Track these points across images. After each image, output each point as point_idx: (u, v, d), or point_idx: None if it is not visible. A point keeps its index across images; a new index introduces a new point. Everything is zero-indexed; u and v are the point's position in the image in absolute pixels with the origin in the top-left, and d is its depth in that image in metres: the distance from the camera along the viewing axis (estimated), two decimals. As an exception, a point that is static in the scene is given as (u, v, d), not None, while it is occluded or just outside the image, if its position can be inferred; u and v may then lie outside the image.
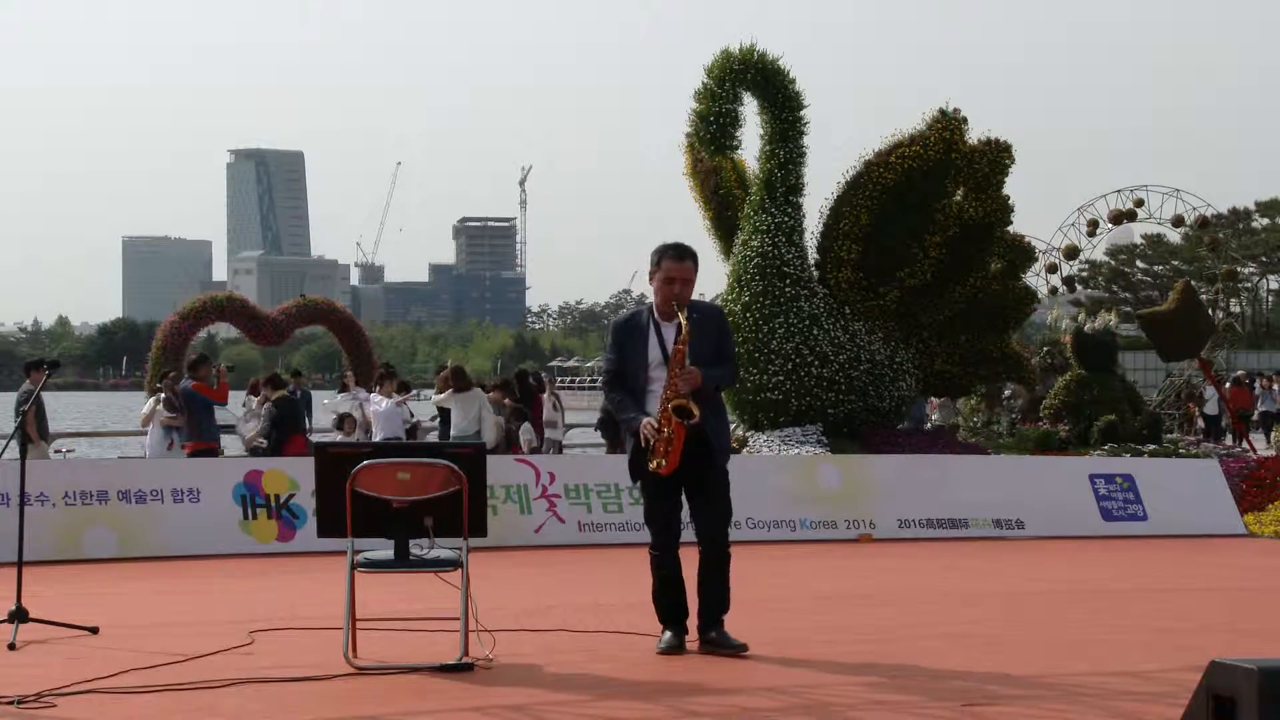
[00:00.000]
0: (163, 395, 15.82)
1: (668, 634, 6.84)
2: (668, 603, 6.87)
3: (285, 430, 17.39)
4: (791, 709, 5.68)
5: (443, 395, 17.40)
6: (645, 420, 6.68)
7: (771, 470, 12.49)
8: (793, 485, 12.58)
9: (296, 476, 11.29)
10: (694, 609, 6.88)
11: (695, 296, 6.95)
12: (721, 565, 6.81)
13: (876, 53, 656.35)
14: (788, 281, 18.22)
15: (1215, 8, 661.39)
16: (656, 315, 6.84)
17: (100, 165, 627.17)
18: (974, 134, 18.91)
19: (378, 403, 17.59)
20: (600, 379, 7.17)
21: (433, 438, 18.17)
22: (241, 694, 5.81)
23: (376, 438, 16.79)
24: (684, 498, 6.87)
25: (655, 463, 6.66)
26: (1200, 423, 29.77)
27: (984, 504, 12.91)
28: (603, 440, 19.79)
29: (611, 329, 7.16)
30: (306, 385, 26.56)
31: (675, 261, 6.77)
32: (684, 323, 6.65)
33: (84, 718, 5.40)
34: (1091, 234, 41.04)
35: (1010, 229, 19.32)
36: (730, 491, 6.88)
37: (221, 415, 17.55)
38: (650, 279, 6.90)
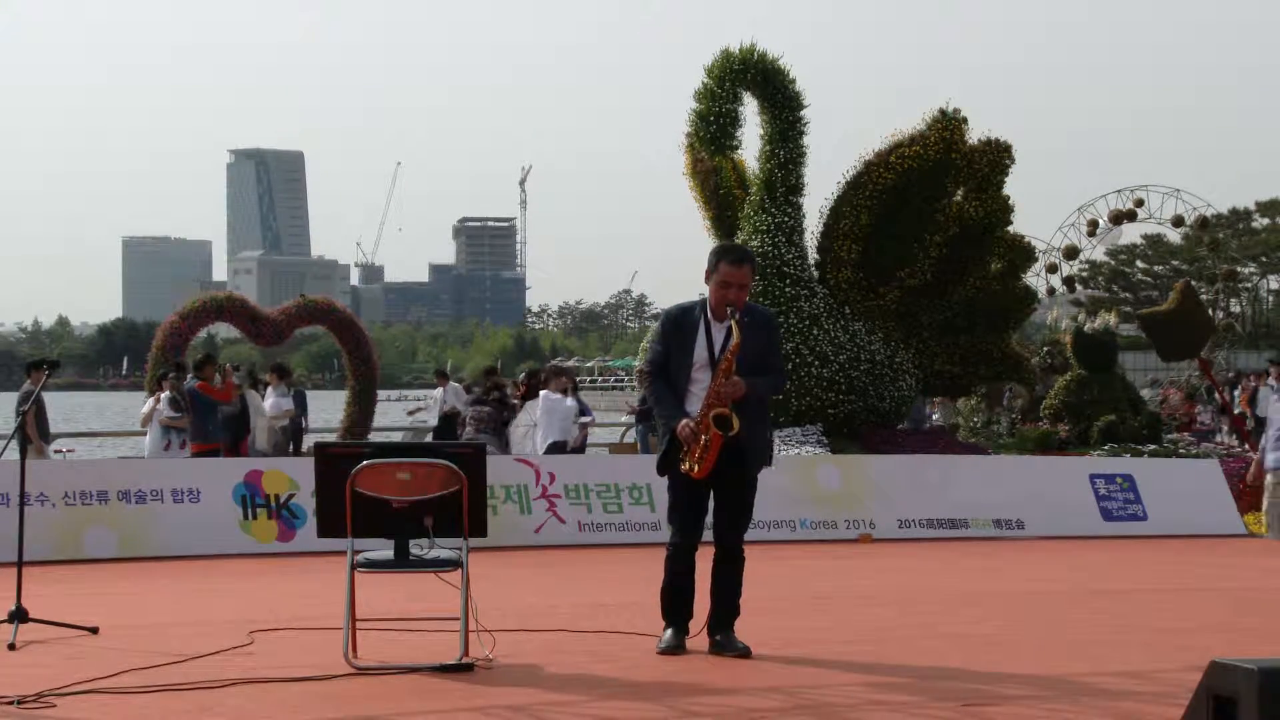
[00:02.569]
0: (164, 394, 15.78)
1: (669, 633, 6.84)
2: (674, 601, 6.86)
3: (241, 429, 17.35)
4: (791, 709, 5.68)
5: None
6: (684, 422, 6.64)
7: (771, 470, 12.44)
8: (793, 485, 12.57)
9: (296, 476, 11.29)
10: (701, 611, 6.89)
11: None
12: (735, 568, 6.81)
13: (876, 53, 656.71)
14: (788, 281, 18.22)
15: (1215, 7, 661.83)
16: (709, 314, 6.79)
17: (100, 165, 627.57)
18: (974, 134, 18.92)
19: (556, 400, 16.30)
20: (644, 367, 7.06)
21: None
22: (241, 694, 5.81)
23: (546, 438, 15.77)
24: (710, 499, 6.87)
25: (688, 465, 6.66)
26: (1250, 422, 28.76)
27: (984, 504, 12.91)
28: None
29: (662, 320, 7.09)
30: (304, 385, 26.64)
31: (732, 266, 6.69)
32: (736, 330, 6.60)
33: (84, 718, 5.40)
34: (1091, 234, 41.06)
35: (1010, 229, 19.34)
36: (755, 498, 6.88)
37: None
38: (706, 279, 6.83)
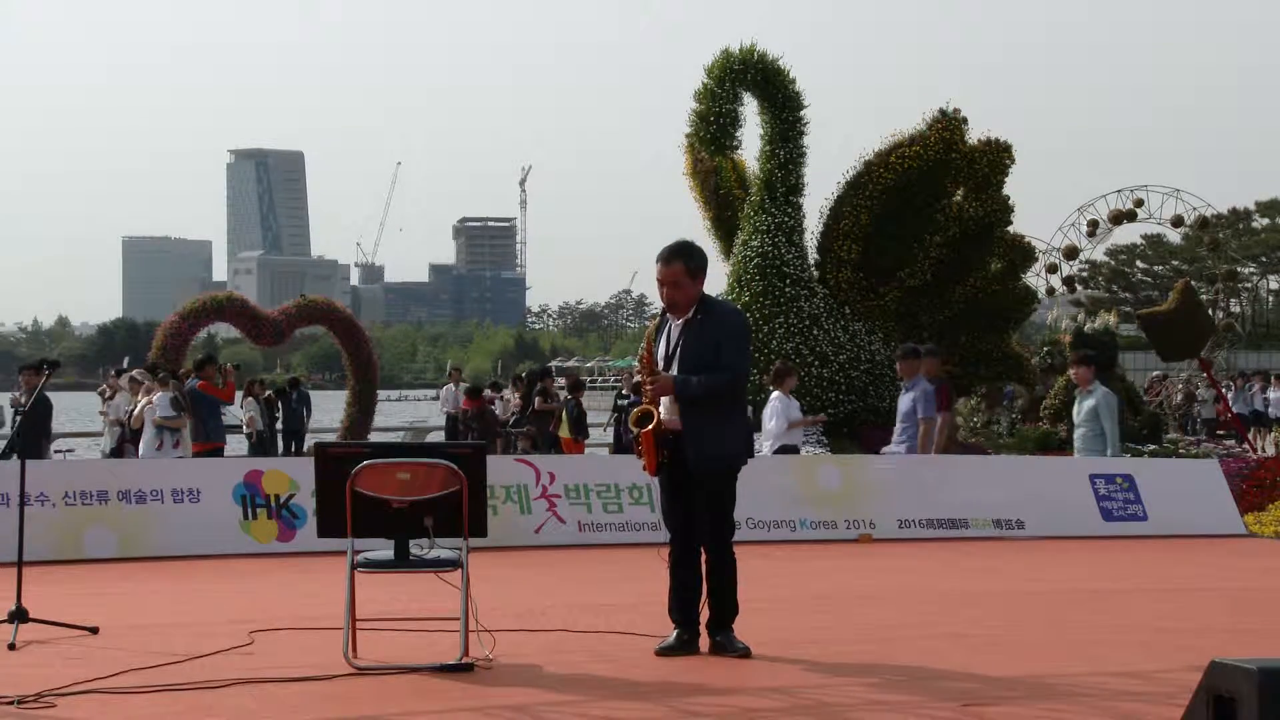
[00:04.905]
0: (159, 394, 15.76)
1: (671, 635, 6.84)
2: (675, 602, 6.88)
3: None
4: (791, 709, 5.68)
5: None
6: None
7: (771, 470, 12.48)
8: (793, 485, 12.57)
9: (296, 476, 11.28)
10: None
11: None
12: (721, 573, 6.79)
13: (876, 53, 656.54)
14: (788, 281, 18.23)
15: (1215, 7, 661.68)
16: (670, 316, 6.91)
17: (101, 165, 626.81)
18: (974, 134, 18.94)
19: (788, 403, 14.58)
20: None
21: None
22: (241, 694, 5.81)
23: (779, 441, 14.13)
24: None
25: (642, 463, 6.79)
26: None
27: (984, 504, 12.89)
28: None
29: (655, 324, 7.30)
30: (305, 386, 26.67)
31: (661, 265, 6.78)
32: (650, 329, 6.81)
33: (84, 718, 5.40)
34: (1091, 234, 41.08)
35: (1010, 229, 19.36)
36: (728, 504, 6.81)
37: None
38: None
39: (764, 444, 14.68)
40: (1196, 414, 30.81)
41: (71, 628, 7.11)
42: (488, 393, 20.91)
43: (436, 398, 27.82)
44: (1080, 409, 13.11)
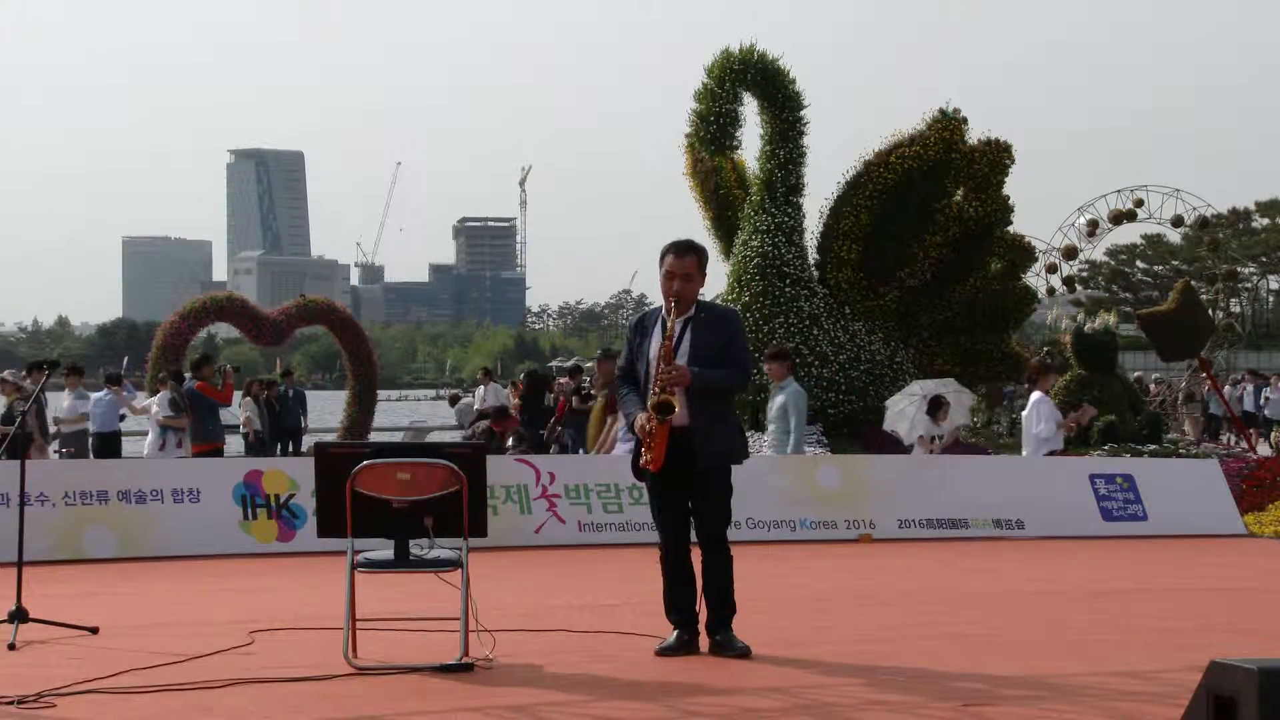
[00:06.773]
0: (168, 395, 15.79)
1: (671, 635, 6.84)
2: (672, 603, 6.88)
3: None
4: (791, 709, 5.68)
5: None
6: (638, 416, 6.72)
7: (771, 470, 12.48)
8: (793, 485, 12.57)
9: (296, 476, 11.28)
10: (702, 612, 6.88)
11: (701, 297, 6.96)
12: (719, 569, 6.80)
13: (876, 53, 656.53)
14: (788, 281, 18.23)
15: (1214, 8, 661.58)
16: (664, 312, 6.85)
17: (100, 165, 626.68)
18: (974, 134, 18.95)
19: (1047, 401, 13.99)
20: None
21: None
22: (241, 694, 5.81)
23: (1043, 447, 13.71)
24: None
25: (644, 459, 6.71)
26: None
27: (984, 504, 12.90)
28: None
29: (629, 325, 7.22)
30: (305, 385, 26.66)
31: (674, 257, 6.79)
32: (670, 322, 6.72)
33: (84, 718, 5.40)
34: (1091, 234, 41.04)
35: (1010, 229, 19.37)
36: (728, 497, 6.85)
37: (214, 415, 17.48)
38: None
39: (1029, 449, 14.14)
40: (1208, 412, 30.78)
41: (71, 628, 7.11)
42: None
43: (439, 396, 27.84)
44: (771, 405, 12.99)
